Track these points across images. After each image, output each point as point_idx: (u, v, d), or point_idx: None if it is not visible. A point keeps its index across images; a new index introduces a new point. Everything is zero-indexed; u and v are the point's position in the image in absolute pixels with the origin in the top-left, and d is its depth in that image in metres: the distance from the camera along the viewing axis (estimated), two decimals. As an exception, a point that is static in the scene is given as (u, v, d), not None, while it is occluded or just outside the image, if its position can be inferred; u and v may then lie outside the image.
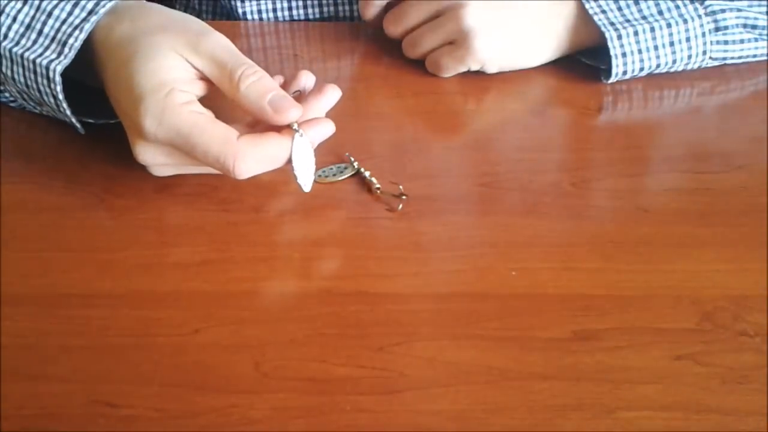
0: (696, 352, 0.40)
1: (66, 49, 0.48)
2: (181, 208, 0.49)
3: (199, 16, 0.77)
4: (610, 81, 0.60)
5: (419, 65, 0.62)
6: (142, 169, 0.48)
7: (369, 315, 0.42)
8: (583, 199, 0.51)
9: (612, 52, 0.58)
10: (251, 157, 0.45)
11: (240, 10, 0.71)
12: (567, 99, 0.60)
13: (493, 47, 0.59)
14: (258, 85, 0.46)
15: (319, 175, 0.51)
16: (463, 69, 0.60)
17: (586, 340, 0.41)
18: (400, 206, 0.49)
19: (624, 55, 0.58)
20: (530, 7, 0.60)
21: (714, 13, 0.59)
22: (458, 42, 0.59)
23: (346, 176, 0.51)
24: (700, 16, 0.59)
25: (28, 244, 0.47)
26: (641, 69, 0.60)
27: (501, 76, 0.61)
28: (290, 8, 0.71)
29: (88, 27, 0.48)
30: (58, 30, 0.49)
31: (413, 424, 0.37)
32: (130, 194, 0.49)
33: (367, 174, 0.51)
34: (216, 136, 0.45)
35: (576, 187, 0.51)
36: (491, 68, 0.61)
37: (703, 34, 0.59)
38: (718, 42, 0.60)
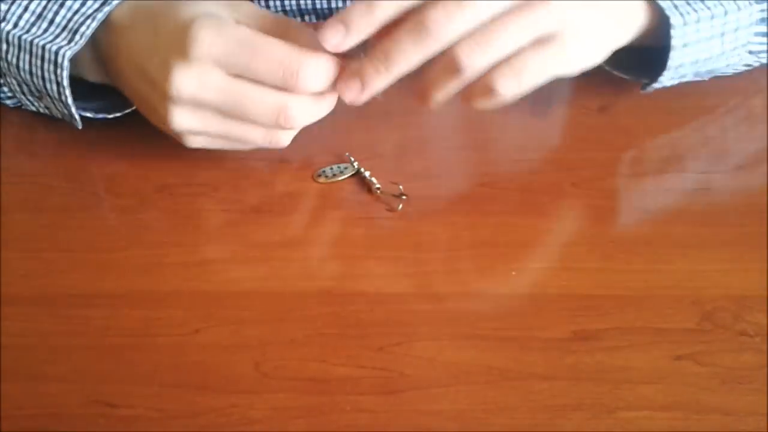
0: (696, 352, 0.40)
1: (77, 37, 0.48)
2: (181, 208, 0.49)
3: None
4: (664, 82, 0.53)
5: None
6: (142, 169, 0.48)
7: (369, 315, 0.42)
8: (583, 199, 0.51)
9: (674, 42, 0.50)
10: (323, 67, 0.45)
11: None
12: (567, 99, 0.60)
13: (588, 48, 0.48)
14: (304, 29, 0.47)
15: (319, 175, 0.51)
16: (550, 76, 0.46)
17: (586, 340, 0.41)
18: (400, 206, 0.49)
19: (685, 45, 0.51)
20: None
21: (764, 0, 0.52)
22: (550, 41, 0.45)
23: (346, 176, 0.51)
24: (751, 4, 0.52)
25: (28, 244, 0.47)
26: (693, 62, 0.53)
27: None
28: (298, 2, 0.71)
29: (100, 16, 0.48)
30: (69, 19, 0.49)
31: (413, 424, 0.37)
32: (130, 194, 0.49)
33: (367, 174, 0.51)
34: (281, 43, 0.44)
35: (576, 187, 0.51)
36: (574, 72, 0.48)
37: (749, 25, 0.53)
38: (758, 33, 0.54)
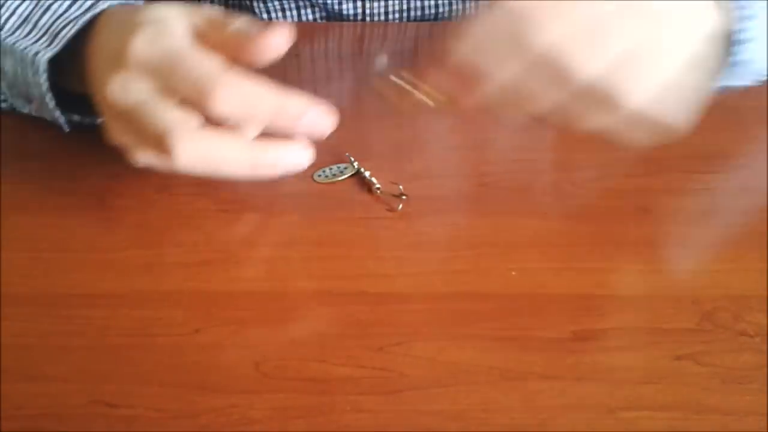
0: (696, 352, 0.40)
1: (56, 40, 0.48)
2: (181, 208, 0.49)
3: None
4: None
5: (420, 65, 0.62)
6: (142, 169, 0.48)
7: (369, 315, 0.42)
8: (583, 199, 0.51)
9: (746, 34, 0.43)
10: (241, 92, 0.40)
11: (255, 10, 0.72)
12: (567, 99, 0.60)
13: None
14: (244, 23, 0.43)
15: (319, 175, 0.51)
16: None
17: (586, 340, 0.41)
18: (400, 206, 0.49)
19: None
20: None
21: None
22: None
23: (346, 176, 0.51)
24: None
25: (28, 244, 0.47)
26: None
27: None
28: (298, 7, 0.72)
29: (82, 21, 0.48)
30: (53, 23, 0.48)
31: (413, 424, 0.37)
32: (130, 194, 0.49)
33: (367, 174, 0.51)
34: (208, 60, 0.41)
35: (576, 187, 0.51)
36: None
37: None
38: None
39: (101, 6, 0.48)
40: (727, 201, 0.50)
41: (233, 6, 0.76)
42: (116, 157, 0.51)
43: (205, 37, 0.44)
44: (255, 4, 0.72)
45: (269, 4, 0.72)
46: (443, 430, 0.37)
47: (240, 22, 0.44)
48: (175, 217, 0.48)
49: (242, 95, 0.40)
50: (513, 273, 0.45)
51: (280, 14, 0.73)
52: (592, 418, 0.37)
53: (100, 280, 0.44)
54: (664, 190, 0.52)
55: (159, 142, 0.41)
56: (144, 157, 0.44)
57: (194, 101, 0.40)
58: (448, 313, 0.42)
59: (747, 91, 0.60)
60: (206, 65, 0.41)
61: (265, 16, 0.73)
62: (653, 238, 0.47)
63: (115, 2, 0.49)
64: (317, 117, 0.42)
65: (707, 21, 0.42)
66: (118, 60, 0.43)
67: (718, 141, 0.56)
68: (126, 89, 0.42)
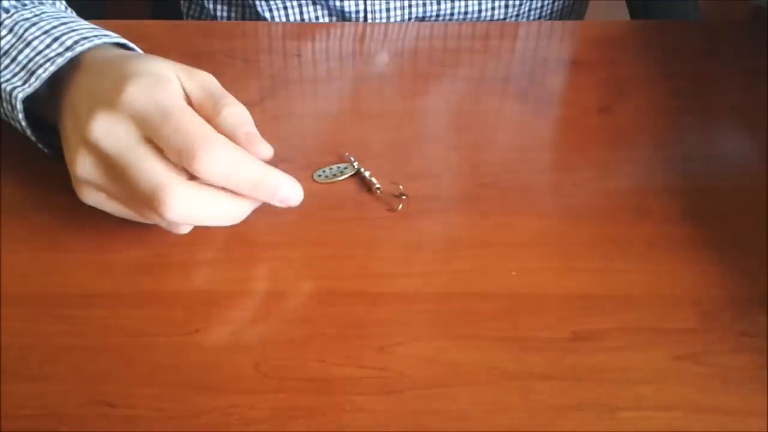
0: (696, 352, 0.40)
1: (33, 79, 0.47)
2: (181, 208, 0.49)
3: (213, 15, 0.78)
4: None
5: (418, 65, 0.62)
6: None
7: (369, 315, 0.42)
8: (583, 199, 0.51)
9: None
10: (227, 158, 0.41)
11: (258, 8, 0.72)
12: (567, 99, 0.60)
13: None
14: (238, 116, 0.44)
15: (319, 175, 0.51)
16: None
17: (586, 340, 0.41)
18: (400, 206, 0.49)
19: None
20: None
21: None
22: None
23: (346, 176, 0.51)
24: None
25: (28, 244, 0.47)
26: None
27: (500, 76, 0.61)
28: (300, 5, 0.72)
29: (60, 61, 0.47)
30: (31, 59, 0.48)
31: (413, 424, 0.37)
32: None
33: (367, 174, 0.51)
34: (198, 122, 0.41)
35: (576, 187, 0.51)
36: None
37: None
38: None
39: (82, 47, 0.48)
40: (727, 201, 0.50)
41: (236, 5, 0.76)
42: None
43: (198, 107, 0.44)
44: (258, 2, 0.72)
45: (271, 3, 0.72)
46: (443, 430, 0.37)
47: (232, 108, 0.44)
48: (175, 217, 0.48)
49: (227, 163, 0.41)
50: (513, 273, 0.45)
51: (282, 12, 0.73)
52: (592, 418, 0.37)
53: (100, 280, 0.44)
54: (664, 190, 0.52)
55: (150, 193, 0.41)
56: (112, 208, 0.44)
57: (179, 159, 0.40)
58: (448, 313, 0.42)
59: (747, 90, 0.60)
60: (197, 126, 0.41)
61: (267, 14, 0.73)
62: (653, 238, 0.47)
63: (98, 42, 0.49)
64: (291, 190, 0.43)
65: None
66: (108, 102, 0.43)
67: (717, 141, 0.56)
68: (111, 133, 0.42)
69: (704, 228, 0.48)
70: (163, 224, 0.44)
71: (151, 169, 0.41)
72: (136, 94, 0.42)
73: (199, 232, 0.48)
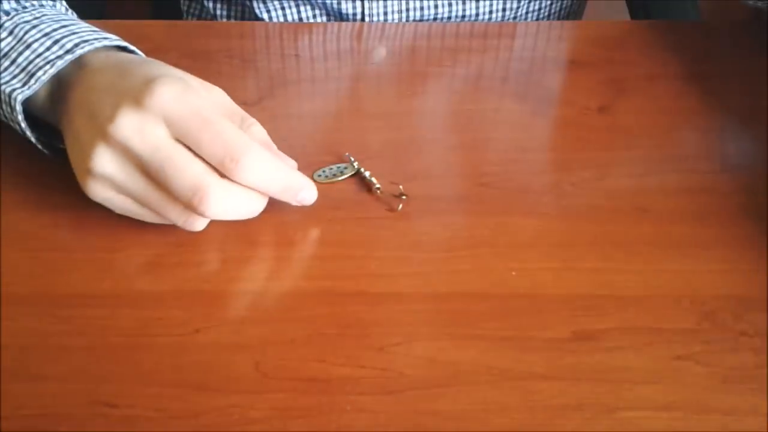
0: (696, 352, 0.40)
1: (32, 81, 0.47)
2: (181, 208, 0.49)
3: (213, 15, 0.78)
4: None
5: (417, 66, 0.62)
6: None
7: (369, 315, 0.42)
8: (583, 199, 0.51)
9: None
10: (267, 165, 0.44)
11: (255, 10, 0.72)
12: (567, 99, 0.60)
13: None
14: (264, 133, 0.47)
15: (319, 175, 0.51)
16: None
17: (586, 340, 0.41)
18: (400, 206, 0.49)
19: None
20: None
21: None
22: None
23: (346, 176, 0.51)
24: None
25: (28, 244, 0.47)
26: None
27: (499, 75, 0.61)
28: (297, 6, 0.72)
29: (60, 64, 0.47)
30: (31, 62, 0.48)
31: (413, 424, 0.37)
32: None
33: (367, 174, 0.51)
34: (235, 128, 0.44)
35: (576, 187, 0.51)
36: None
37: None
38: None
39: (83, 50, 0.48)
40: (726, 201, 0.50)
41: (236, 4, 0.76)
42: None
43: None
44: (255, 4, 0.72)
45: (269, 4, 0.72)
46: (443, 430, 0.37)
47: (257, 125, 0.47)
48: (175, 217, 0.48)
49: (265, 169, 0.44)
50: (513, 273, 0.45)
51: (279, 13, 0.73)
52: (592, 418, 0.37)
53: (100, 280, 0.44)
54: (664, 190, 0.52)
55: (191, 191, 0.43)
56: (121, 204, 0.46)
57: (221, 163, 0.43)
58: (448, 313, 0.42)
59: (747, 91, 0.60)
60: (237, 133, 0.44)
61: (264, 15, 0.73)
62: (653, 238, 0.47)
63: (99, 45, 0.49)
64: (310, 192, 0.47)
65: None
66: (137, 101, 0.43)
67: (718, 141, 0.56)
68: (142, 131, 0.43)
69: (704, 228, 0.48)
70: (180, 221, 0.45)
71: (190, 168, 0.43)
72: (167, 95, 0.43)
73: (199, 232, 0.48)
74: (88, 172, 0.44)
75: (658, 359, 0.40)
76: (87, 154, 0.44)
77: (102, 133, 0.43)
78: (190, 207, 0.44)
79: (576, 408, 0.38)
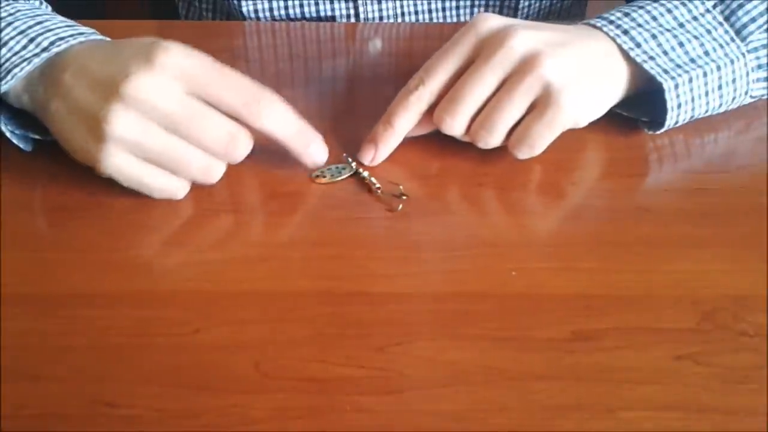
0: (696, 352, 0.40)
1: (9, 77, 0.48)
2: (182, 208, 0.49)
3: (200, 14, 0.78)
4: (659, 132, 0.54)
5: (417, 67, 0.62)
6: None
7: (369, 315, 0.42)
8: (583, 199, 0.51)
9: (669, 104, 0.51)
10: (281, 107, 0.47)
11: (244, 9, 0.71)
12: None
13: (582, 99, 0.50)
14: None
15: (317, 176, 0.51)
16: (557, 134, 0.50)
17: (585, 340, 0.41)
18: (400, 206, 0.49)
19: (679, 105, 0.52)
20: (591, 47, 0.51)
21: (756, 50, 0.53)
22: (543, 104, 0.48)
23: (344, 177, 0.51)
24: (744, 55, 0.53)
25: (28, 244, 0.47)
26: (691, 118, 0.54)
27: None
28: (286, 7, 0.71)
29: (37, 61, 0.48)
30: (8, 60, 0.48)
31: (413, 424, 0.37)
32: (130, 194, 0.49)
33: (365, 174, 0.51)
34: (254, 84, 0.46)
35: (576, 187, 0.51)
36: (584, 122, 0.51)
37: (747, 74, 0.53)
38: (758, 80, 0.54)
39: (59, 47, 0.48)
40: (727, 201, 0.50)
41: (221, 12, 0.76)
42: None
43: None
44: (244, 3, 0.72)
45: (258, 4, 0.72)
46: (443, 430, 0.37)
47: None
48: (175, 217, 0.48)
49: (282, 117, 0.48)
50: (513, 273, 0.45)
51: (268, 14, 0.72)
52: (591, 418, 0.37)
53: (100, 280, 0.44)
54: (664, 190, 0.52)
55: (224, 140, 0.46)
56: (133, 170, 0.47)
57: (240, 112, 0.46)
58: (448, 313, 0.42)
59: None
60: (251, 83, 0.47)
61: (253, 15, 0.73)
62: (653, 238, 0.47)
63: (74, 42, 0.49)
64: (321, 147, 0.50)
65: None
66: (147, 63, 0.44)
67: (718, 141, 0.56)
68: (163, 89, 0.44)
69: (704, 228, 0.48)
70: (200, 175, 0.47)
71: (217, 119, 0.46)
72: (178, 52, 0.45)
73: (199, 232, 0.48)
74: (102, 138, 0.45)
75: (658, 359, 0.40)
76: (100, 120, 0.44)
77: (116, 95, 0.44)
78: (222, 155, 0.47)
79: (575, 408, 0.38)
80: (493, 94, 0.49)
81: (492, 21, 0.50)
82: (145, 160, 0.46)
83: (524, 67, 0.48)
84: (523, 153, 0.50)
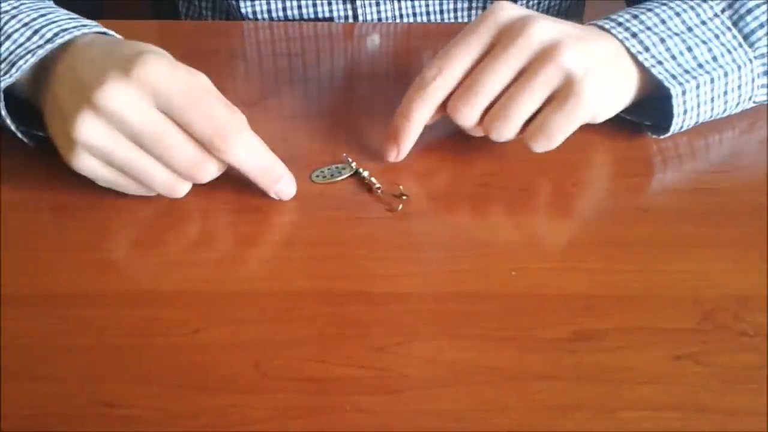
0: (696, 352, 0.40)
1: (13, 70, 0.48)
2: (182, 208, 0.49)
3: (199, 12, 0.78)
4: (664, 137, 0.54)
5: (416, 66, 0.62)
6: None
7: (369, 315, 0.42)
8: (583, 199, 0.51)
9: (675, 110, 0.51)
10: (254, 146, 0.46)
11: (242, 10, 0.71)
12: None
13: (603, 91, 0.49)
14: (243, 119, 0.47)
15: (317, 176, 0.51)
16: (576, 127, 0.49)
17: (586, 341, 0.41)
18: (400, 206, 0.49)
19: (685, 111, 0.52)
20: (605, 46, 0.51)
21: (763, 56, 0.53)
22: (563, 94, 0.48)
23: (344, 176, 0.51)
24: (751, 60, 0.52)
25: (28, 244, 0.47)
26: (695, 123, 0.53)
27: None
28: (284, 9, 0.71)
29: (41, 53, 0.48)
30: (12, 52, 0.48)
31: (413, 424, 0.37)
32: (129, 194, 0.49)
33: (365, 174, 0.51)
34: (225, 106, 0.45)
35: (576, 187, 0.51)
36: (601, 118, 0.51)
37: (753, 80, 0.53)
38: (762, 86, 0.54)
39: (62, 39, 0.48)
40: (727, 201, 0.50)
41: (220, 11, 0.76)
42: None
43: None
44: (242, 3, 0.72)
45: (256, 5, 0.72)
46: (443, 430, 0.37)
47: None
48: (175, 217, 0.48)
49: (250, 152, 0.46)
50: (513, 273, 0.45)
51: (266, 15, 0.72)
52: (592, 418, 0.37)
53: (100, 280, 0.44)
54: (664, 190, 0.52)
55: (192, 163, 0.45)
56: (104, 174, 0.46)
57: (207, 144, 0.45)
58: (448, 313, 0.42)
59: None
60: (224, 111, 0.45)
61: (251, 16, 0.73)
62: (653, 238, 0.47)
63: (78, 33, 0.49)
64: (288, 185, 0.48)
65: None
66: (124, 70, 0.44)
67: (718, 141, 0.56)
68: (133, 102, 0.44)
69: (704, 228, 0.48)
70: (164, 190, 0.47)
71: (183, 143, 0.45)
72: (157, 69, 0.44)
73: (199, 231, 0.48)
74: (73, 141, 0.45)
75: (658, 359, 0.40)
76: (71, 124, 0.44)
77: (88, 101, 0.44)
78: (186, 176, 0.46)
79: (576, 408, 0.38)
80: (509, 85, 0.48)
81: (511, 9, 0.49)
82: (112, 167, 0.46)
83: (544, 56, 0.47)
84: (540, 145, 0.49)
